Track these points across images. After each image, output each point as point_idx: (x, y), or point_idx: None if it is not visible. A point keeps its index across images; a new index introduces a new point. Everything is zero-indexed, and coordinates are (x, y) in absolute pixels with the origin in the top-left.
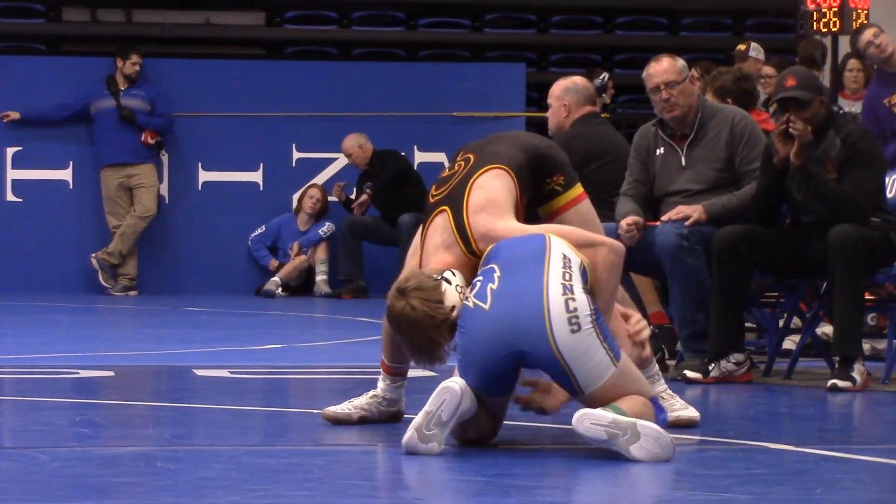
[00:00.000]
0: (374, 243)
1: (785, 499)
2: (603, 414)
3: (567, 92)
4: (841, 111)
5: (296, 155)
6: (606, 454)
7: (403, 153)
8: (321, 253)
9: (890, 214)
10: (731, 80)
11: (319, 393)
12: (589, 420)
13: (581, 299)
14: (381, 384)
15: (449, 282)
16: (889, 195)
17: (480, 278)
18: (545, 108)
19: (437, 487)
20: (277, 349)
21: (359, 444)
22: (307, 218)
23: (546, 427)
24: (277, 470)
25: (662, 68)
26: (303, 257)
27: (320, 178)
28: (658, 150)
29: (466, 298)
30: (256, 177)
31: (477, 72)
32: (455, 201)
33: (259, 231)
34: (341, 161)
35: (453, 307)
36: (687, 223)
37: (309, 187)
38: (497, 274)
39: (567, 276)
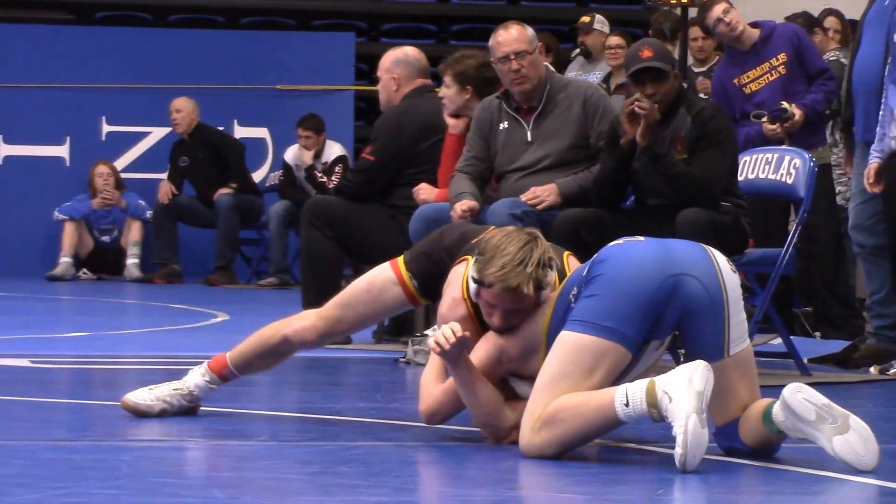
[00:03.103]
0: (190, 225)
1: (625, 499)
2: (818, 394)
3: (397, 64)
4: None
5: (105, 128)
6: (441, 454)
7: (222, 128)
8: (133, 234)
9: (741, 199)
10: (474, 67)
11: (128, 385)
12: (804, 395)
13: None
14: (196, 378)
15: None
16: (741, 178)
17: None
18: (376, 81)
19: (253, 486)
20: (84, 337)
21: (168, 439)
22: (101, 201)
23: (375, 423)
24: (82, 466)
25: (512, 37)
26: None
27: (133, 154)
28: (502, 125)
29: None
30: (62, 151)
31: (303, 41)
32: None
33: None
34: (156, 135)
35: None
36: (540, 207)
37: (97, 164)
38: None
39: None
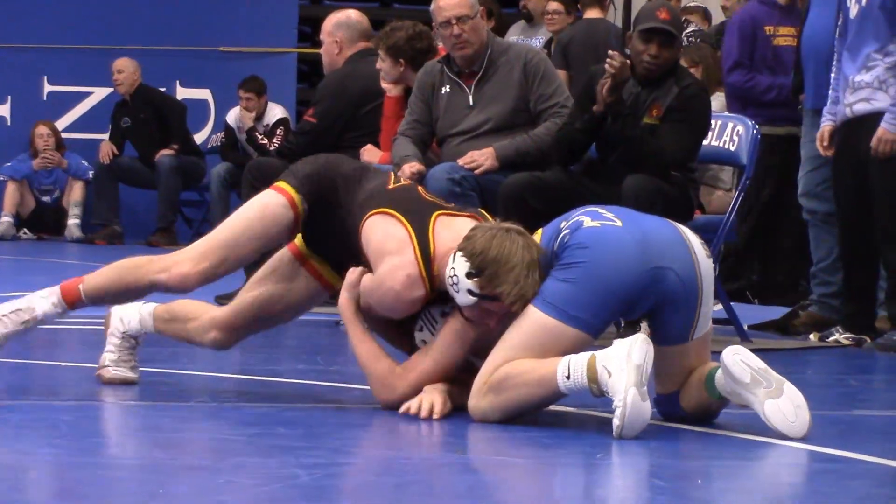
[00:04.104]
0: (131, 186)
1: (565, 462)
2: (756, 358)
3: (339, 27)
4: (699, 29)
5: (47, 88)
6: (381, 417)
7: (164, 89)
8: (75, 194)
9: (693, 173)
10: (404, 39)
11: (68, 345)
12: (741, 357)
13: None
14: (45, 305)
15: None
16: (715, 143)
17: (583, 218)
18: (318, 44)
19: (193, 447)
20: (22, 297)
21: (108, 399)
22: (42, 161)
23: (315, 385)
24: (21, 426)
25: (454, 2)
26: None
27: (74, 114)
28: (444, 89)
29: (580, 224)
30: (3, 110)
31: (246, 3)
32: None
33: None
34: (97, 95)
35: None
36: (477, 172)
37: (37, 125)
38: (602, 212)
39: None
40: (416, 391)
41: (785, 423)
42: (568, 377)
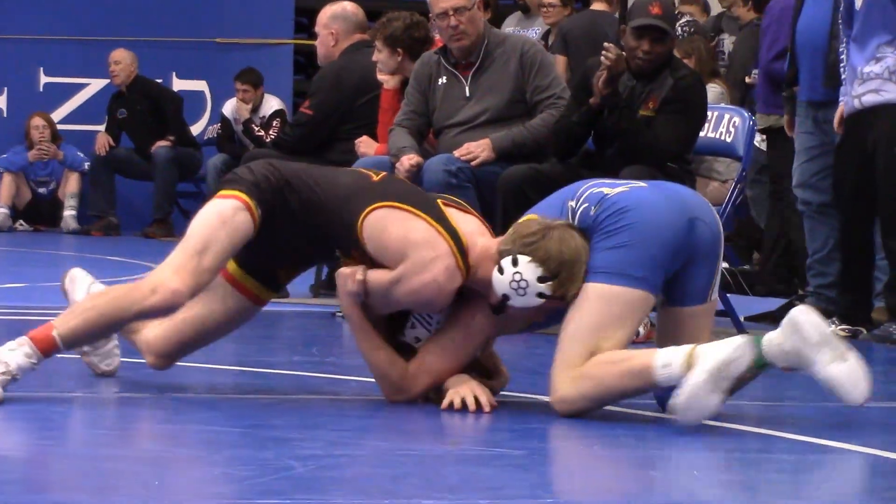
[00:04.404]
0: (127, 177)
1: (566, 453)
2: (824, 323)
3: (334, 19)
4: (692, 20)
5: (43, 79)
6: (377, 408)
7: (161, 80)
8: (71, 186)
9: (690, 165)
10: (402, 29)
11: None
12: (812, 317)
13: None
14: (19, 358)
15: None
16: (711, 135)
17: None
18: (315, 35)
19: (188, 439)
20: (20, 288)
21: (102, 391)
22: (37, 153)
23: (311, 377)
24: (14, 418)
25: None
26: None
27: (71, 105)
28: (441, 80)
29: (602, 195)
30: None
31: None
32: None
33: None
34: (94, 87)
35: None
36: (474, 163)
37: (32, 116)
38: (613, 181)
39: None
40: (429, 390)
41: (847, 386)
42: (665, 368)
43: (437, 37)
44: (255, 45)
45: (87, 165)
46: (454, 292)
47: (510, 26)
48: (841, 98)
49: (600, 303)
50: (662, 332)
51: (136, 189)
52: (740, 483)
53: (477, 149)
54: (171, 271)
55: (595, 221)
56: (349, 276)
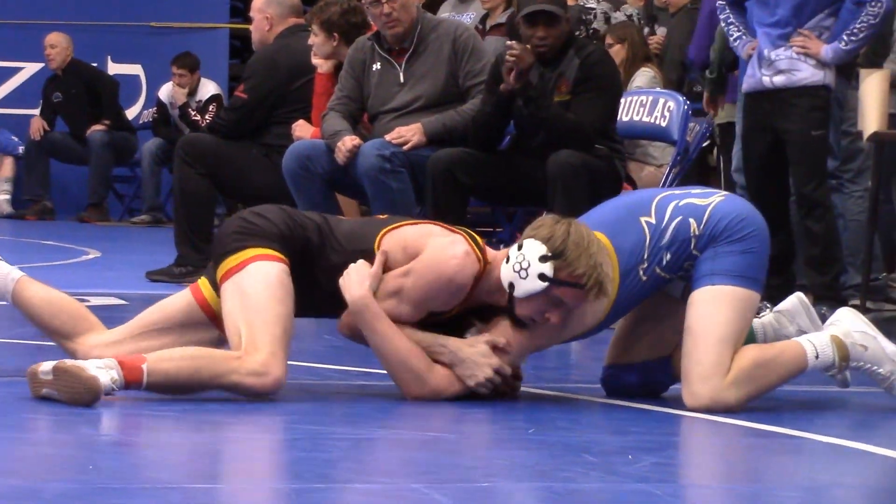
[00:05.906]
0: (63, 161)
1: (502, 437)
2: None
3: (269, 3)
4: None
5: None
6: (313, 390)
7: (96, 64)
8: (5, 170)
9: (618, 143)
10: (338, 14)
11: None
12: (863, 321)
13: None
14: (105, 378)
15: None
16: (646, 119)
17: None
18: (250, 20)
19: (124, 423)
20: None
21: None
22: None
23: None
24: None
25: None
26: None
27: (5, 89)
28: (375, 66)
29: (696, 207)
30: None
31: None
32: None
33: None
34: (28, 70)
35: None
36: (406, 148)
37: None
38: (692, 190)
39: None
40: (455, 395)
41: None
42: (817, 357)
43: (373, 23)
44: (191, 29)
45: (21, 149)
46: (469, 286)
47: (446, 12)
48: (748, 78)
49: (740, 305)
50: (665, 325)
51: (71, 173)
52: (681, 465)
53: (408, 133)
54: (269, 355)
55: (715, 229)
56: (359, 269)
